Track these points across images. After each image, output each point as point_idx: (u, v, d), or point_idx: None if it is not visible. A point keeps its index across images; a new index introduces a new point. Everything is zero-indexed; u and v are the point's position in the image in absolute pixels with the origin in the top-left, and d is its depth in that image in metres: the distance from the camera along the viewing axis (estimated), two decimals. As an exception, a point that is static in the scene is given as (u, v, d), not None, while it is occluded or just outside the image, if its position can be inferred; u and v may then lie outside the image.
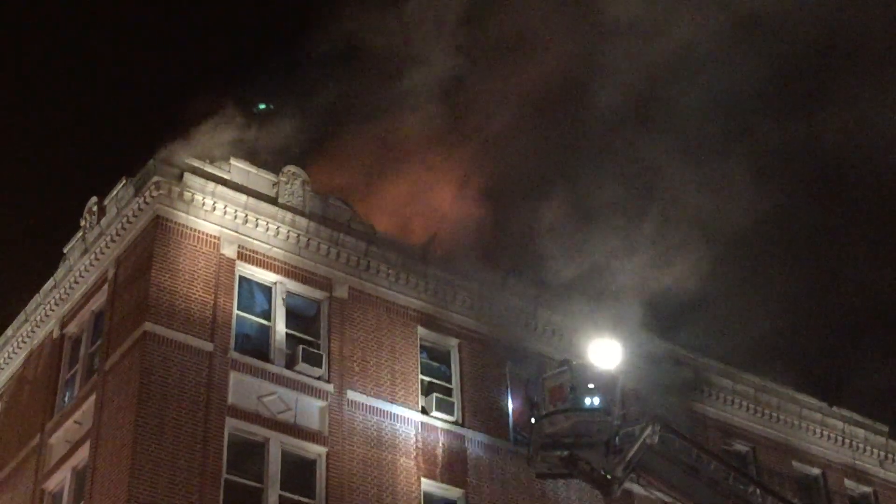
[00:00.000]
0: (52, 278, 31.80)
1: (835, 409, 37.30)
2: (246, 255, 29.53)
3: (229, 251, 29.28)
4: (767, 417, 35.98)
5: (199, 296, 28.28)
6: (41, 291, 32.08)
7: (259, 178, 30.50)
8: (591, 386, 29.10)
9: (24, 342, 32.77)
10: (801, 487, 35.52)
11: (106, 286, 29.81)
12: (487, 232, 33.59)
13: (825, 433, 37.01)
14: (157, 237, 28.49)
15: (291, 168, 31.04)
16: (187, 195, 29.04)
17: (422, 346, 31.24)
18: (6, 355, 33.37)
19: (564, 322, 33.07)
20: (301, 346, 28.95)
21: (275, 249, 29.96)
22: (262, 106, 26.64)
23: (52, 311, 31.75)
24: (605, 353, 29.91)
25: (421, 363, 30.92)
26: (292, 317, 29.75)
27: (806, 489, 35.80)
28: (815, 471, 36.49)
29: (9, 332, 33.30)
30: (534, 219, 33.93)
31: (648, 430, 28.69)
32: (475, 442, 30.46)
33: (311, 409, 28.55)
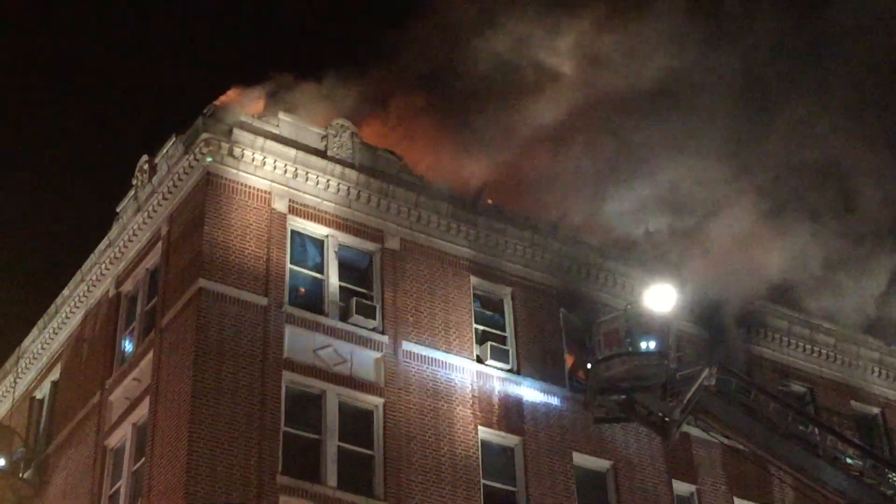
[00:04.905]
0: (106, 237, 32.01)
1: (893, 347, 36.95)
2: (297, 209, 29.59)
3: (280, 205, 29.35)
4: (825, 357, 35.72)
5: (252, 251, 28.40)
6: (96, 251, 32.31)
7: (308, 131, 30.51)
8: (645, 330, 29.02)
9: (81, 302, 33.06)
10: (860, 427, 35.27)
11: (160, 244, 29.99)
12: (538, 179, 33.32)
13: (884, 372, 36.69)
14: (209, 193, 28.61)
15: (340, 121, 31.02)
16: (237, 151, 29.11)
17: (475, 295, 31.23)
18: (64, 315, 33.69)
19: (618, 268, 32.94)
20: (355, 299, 29.03)
21: (325, 202, 29.99)
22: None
23: (108, 270, 31.99)
24: (661, 297, 29.77)
25: (475, 312, 30.92)
26: (345, 269, 29.82)
27: (865, 428, 35.55)
28: (874, 410, 36.21)
29: (65, 292, 33.58)
30: (584, 165, 33.56)
31: (705, 373, 28.57)
32: (531, 389, 30.48)
33: (366, 361, 28.66)
